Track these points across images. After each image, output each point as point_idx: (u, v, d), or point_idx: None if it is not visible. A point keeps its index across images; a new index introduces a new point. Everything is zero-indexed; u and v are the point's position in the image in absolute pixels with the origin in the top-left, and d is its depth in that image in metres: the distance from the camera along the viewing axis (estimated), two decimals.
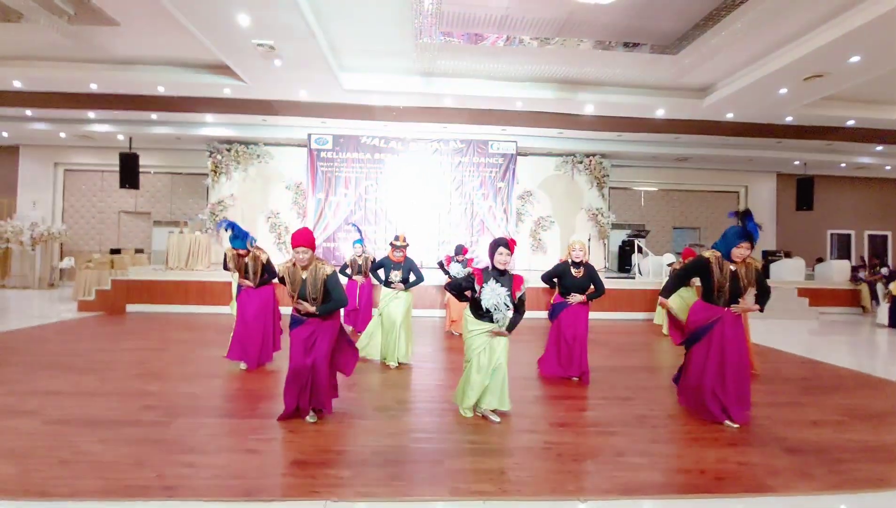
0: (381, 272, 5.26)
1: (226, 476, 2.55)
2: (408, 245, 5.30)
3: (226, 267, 4.92)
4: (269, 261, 4.89)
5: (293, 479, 2.53)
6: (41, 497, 2.36)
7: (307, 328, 3.33)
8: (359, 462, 2.75)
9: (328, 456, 2.81)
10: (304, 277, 3.30)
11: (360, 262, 6.59)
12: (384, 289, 5.15)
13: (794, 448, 3.08)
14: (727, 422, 3.41)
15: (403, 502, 2.35)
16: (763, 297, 3.52)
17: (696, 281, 3.72)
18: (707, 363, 3.46)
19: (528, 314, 3.76)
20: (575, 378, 4.64)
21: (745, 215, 3.40)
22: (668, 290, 3.69)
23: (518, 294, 3.30)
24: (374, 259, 6.31)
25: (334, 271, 3.38)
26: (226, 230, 4.70)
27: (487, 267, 3.41)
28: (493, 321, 3.36)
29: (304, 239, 3.26)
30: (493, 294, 3.25)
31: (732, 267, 3.40)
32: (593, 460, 2.86)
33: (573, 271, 4.56)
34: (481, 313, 3.36)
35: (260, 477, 2.54)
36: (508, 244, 3.33)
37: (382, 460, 2.78)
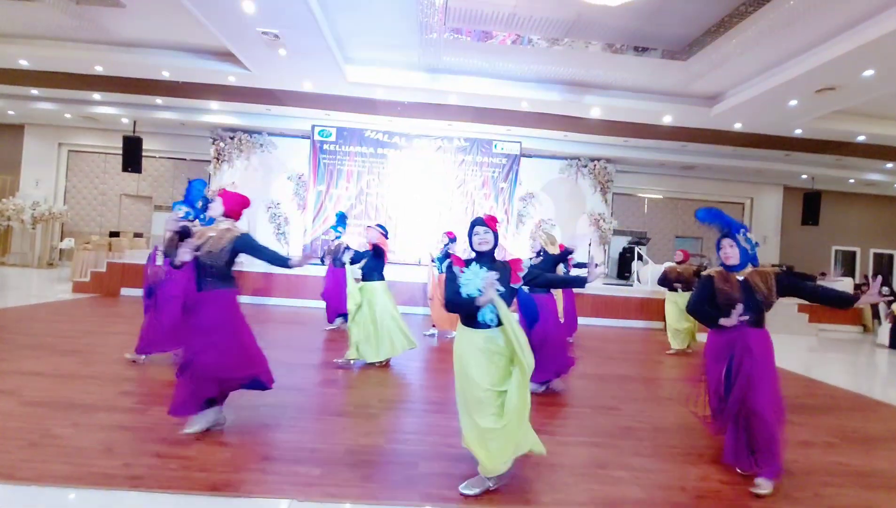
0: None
1: (193, 468, 2.49)
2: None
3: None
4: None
5: (261, 475, 2.47)
6: (6, 480, 2.31)
7: (202, 307, 2.92)
8: (331, 460, 2.69)
9: (300, 454, 2.75)
10: (210, 234, 2.99)
11: (333, 247, 6.40)
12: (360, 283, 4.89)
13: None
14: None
15: (370, 505, 2.29)
16: (818, 291, 2.87)
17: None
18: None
19: None
20: (541, 388, 4.23)
21: (697, 214, 3.10)
22: (704, 316, 3.04)
23: (519, 273, 2.58)
24: (346, 246, 6.06)
25: (248, 233, 3.08)
26: (195, 187, 4.05)
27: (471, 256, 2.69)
28: (485, 327, 2.47)
29: (228, 193, 3.10)
30: (473, 278, 2.49)
31: (740, 277, 2.89)
32: (572, 471, 2.78)
33: (534, 260, 4.52)
34: (469, 318, 2.52)
35: (227, 472, 2.48)
36: (486, 221, 2.63)
37: (356, 460, 2.72)
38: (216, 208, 3.07)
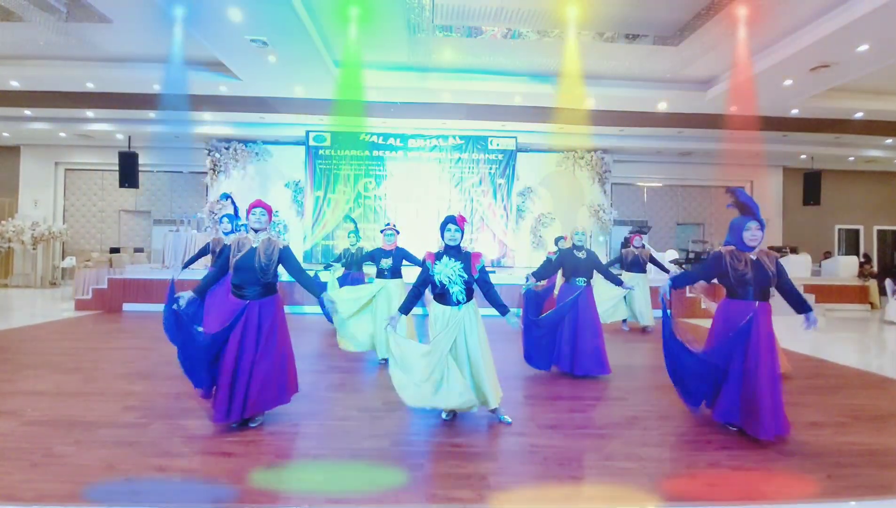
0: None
1: (196, 480, 2.47)
2: (398, 232, 5.18)
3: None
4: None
5: (265, 484, 2.44)
6: (7, 501, 2.29)
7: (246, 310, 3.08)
8: (336, 465, 2.66)
9: (305, 460, 2.73)
10: (254, 246, 3.11)
11: (352, 251, 6.39)
12: (377, 279, 5.04)
13: (792, 451, 2.94)
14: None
15: None
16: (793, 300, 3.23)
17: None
18: (752, 369, 3.08)
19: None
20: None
21: (738, 192, 3.27)
22: (685, 282, 3.51)
23: (477, 266, 3.19)
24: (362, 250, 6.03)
25: (288, 246, 3.26)
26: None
27: (440, 249, 3.26)
28: (455, 305, 3.17)
29: (262, 203, 3.24)
30: (445, 268, 3.15)
31: (753, 257, 3.12)
32: (579, 464, 2.74)
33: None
34: (441, 297, 3.22)
35: (230, 483, 2.45)
36: (457, 220, 3.23)
37: (360, 464, 2.69)
38: (263, 220, 3.20)
